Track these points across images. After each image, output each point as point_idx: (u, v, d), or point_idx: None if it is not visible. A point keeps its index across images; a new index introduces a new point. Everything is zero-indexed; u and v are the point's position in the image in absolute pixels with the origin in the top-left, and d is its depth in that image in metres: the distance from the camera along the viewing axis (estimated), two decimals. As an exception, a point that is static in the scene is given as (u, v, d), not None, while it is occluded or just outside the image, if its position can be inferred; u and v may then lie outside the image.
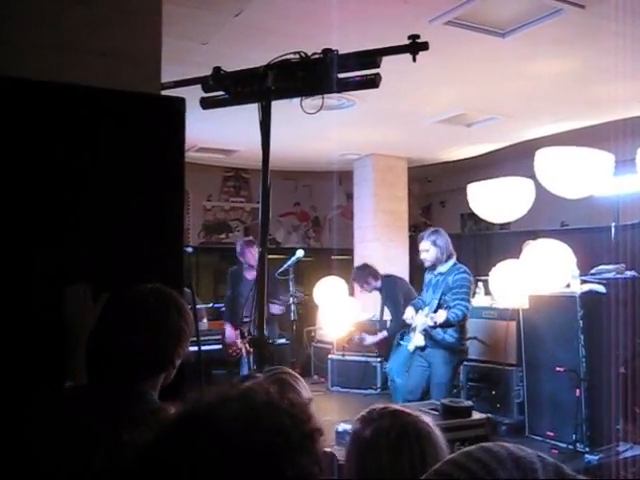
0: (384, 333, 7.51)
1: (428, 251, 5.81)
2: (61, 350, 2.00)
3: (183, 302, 1.90)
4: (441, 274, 5.82)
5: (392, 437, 1.57)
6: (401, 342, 6.55)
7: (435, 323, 5.59)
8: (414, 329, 5.89)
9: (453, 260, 5.87)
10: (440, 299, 5.69)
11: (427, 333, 5.73)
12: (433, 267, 5.87)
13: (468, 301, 5.75)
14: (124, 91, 2.39)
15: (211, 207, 11.30)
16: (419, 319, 5.80)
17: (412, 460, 1.52)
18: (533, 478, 0.68)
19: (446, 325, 5.62)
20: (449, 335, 5.72)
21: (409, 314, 5.99)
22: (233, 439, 0.82)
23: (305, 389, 1.76)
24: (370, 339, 7.77)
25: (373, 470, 1.54)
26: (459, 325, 5.73)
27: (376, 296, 7.98)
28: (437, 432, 1.62)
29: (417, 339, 5.81)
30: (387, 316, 7.78)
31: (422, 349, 5.83)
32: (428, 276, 6.02)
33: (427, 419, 1.66)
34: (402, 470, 1.50)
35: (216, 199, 11.33)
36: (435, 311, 5.64)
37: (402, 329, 6.99)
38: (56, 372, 1.97)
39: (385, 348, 7.80)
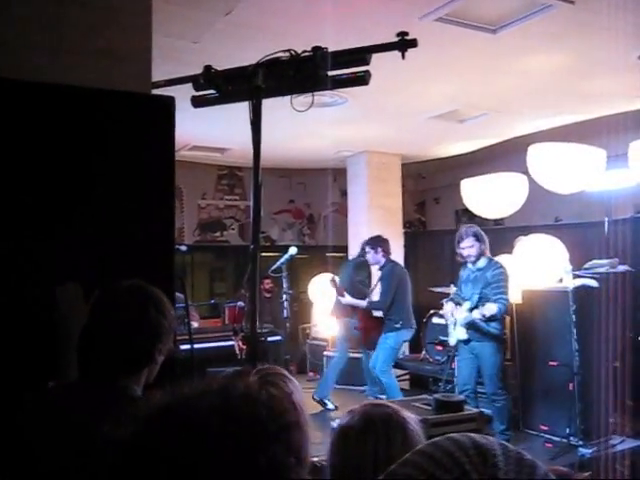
0: (361, 303, 7.50)
1: (472, 247, 5.90)
2: (52, 348, 2.02)
3: (163, 298, 1.90)
4: (479, 269, 5.92)
5: (360, 424, 1.60)
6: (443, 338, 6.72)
7: (484, 316, 5.69)
8: (454, 323, 5.99)
9: (488, 255, 5.99)
10: (480, 293, 5.79)
11: (472, 326, 5.82)
12: (474, 262, 5.94)
13: (507, 294, 5.84)
14: (113, 90, 2.41)
15: (205, 205, 11.30)
16: (460, 313, 5.91)
17: (377, 446, 1.54)
18: (493, 463, 0.69)
19: (492, 318, 5.72)
20: (493, 327, 5.80)
21: (448, 309, 6.13)
22: (208, 429, 0.84)
23: (295, 388, 1.76)
24: (347, 298, 7.67)
25: (342, 456, 1.57)
26: (501, 317, 5.86)
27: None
28: (412, 424, 1.64)
29: (459, 333, 5.92)
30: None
31: (466, 342, 5.91)
32: (465, 272, 6.11)
33: (405, 413, 1.67)
34: (367, 455, 1.52)
35: (210, 197, 11.33)
36: (476, 305, 5.75)
37: (386, 322, 7.02)
38: (47, 370, 1.99)
39: (371, 335, 7.63)
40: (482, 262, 5.92)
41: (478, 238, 5.87)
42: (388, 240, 7.50)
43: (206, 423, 0.85)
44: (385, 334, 7.04)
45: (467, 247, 5.91)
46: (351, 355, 8.14)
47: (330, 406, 7.53)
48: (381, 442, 1.55)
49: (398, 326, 6.98)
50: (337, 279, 7.90)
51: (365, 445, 1.55)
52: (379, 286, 7.43)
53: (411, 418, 1.65)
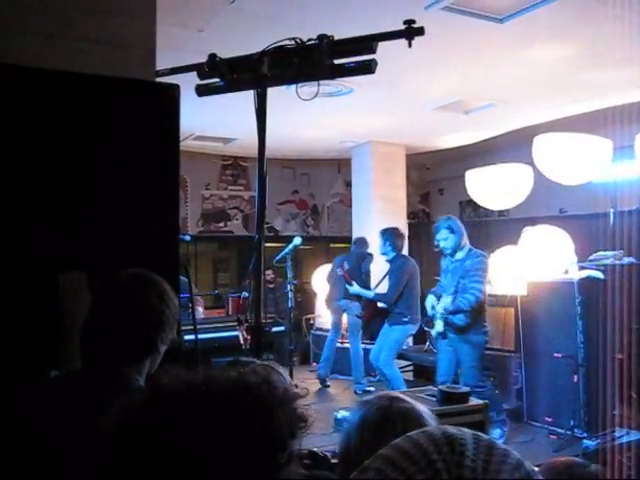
0: (368, 293, 7.52)
1: (447, 239, 5.82)
2: (55, 337, 2.01)
3: (166, 287, 1.88)
4: (458, 260, 5.85)
5: (377, 418, 1.58)
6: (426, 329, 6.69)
7: (445, 310, 5.67)
8: (435, 316, 5.94)
9: (468, 246, 5.90)
10: (457, 284, 5.72)
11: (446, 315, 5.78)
12: (452, 254, 5.88)
13: (483, 284, 5.77)
14: (117, 77, 2.39)
15: (209, 195, 11.29)
16: (439, 306, 5.86)
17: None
18: (460, 451, 0.71)
19: (458, 311, 5.67)
20: (458, 319, 5.73)
21: (429, 302, 6.05)
22: (228, 398, 0.88)
23: (281, 382, 1.75)
24: (355, 287, 7.70)
25: (355, 447, 1.55)
26: (477, 307, 5.73)
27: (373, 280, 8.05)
28: (427, 419, 1.62)
29: (437, 325, 5.87)
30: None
31: (444, 335, 5.86)
32: (445, 262, 6.04)
33: (420, 406, 1.66)
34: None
35: (214, 187, 11.31)
36: (454, 297, 5.70)
37: (394, 315, 7.01)
38: (50, 359, 1.98)
39: (372, 324, 7.65)
40: (461, 254, 5.84)
41: (452, 230, 5.79)
42: (403, 235, 7.50)
43: (225, 394, 0.89)
44: (391, 326, 7.02)
45: (441, 239, 5.84)
46: (341, 345, 8.23)
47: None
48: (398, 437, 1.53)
49: (406, 320, 6.98)
50: (346, 264, 7.95)
51: (383, 439, 1.53)
52: (387, 278, 7.43)
53: (425, 412, 1.64)
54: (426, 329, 6.85)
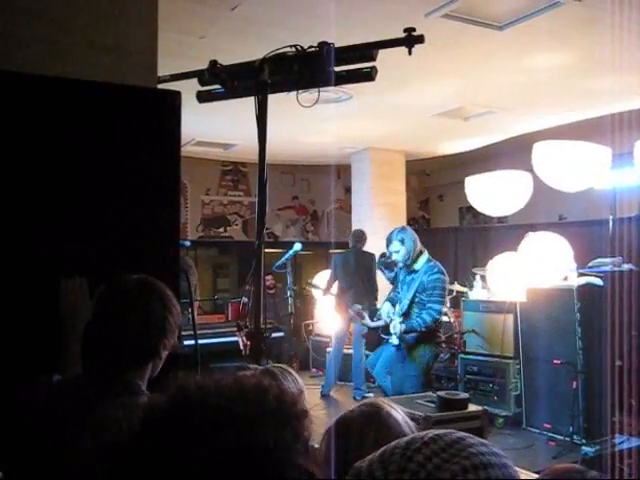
0: (380, 323, 7.47)
1: (399, 252, 5.65)
2: (57, 342, 2.02)
3: (169, 293, 1.89)
4: (415, 272, 5.65)
5: (360, 421, 1.60)
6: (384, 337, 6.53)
7: (398, 333, 5.54)
8: (393, 325, 5.74)
9: (426, 256, 5.71)
10: (413, 297, 5.58)
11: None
12: (406, 266, 5.71)
13: (442, 304, 5.61)
14: (119, 84, 2.40)
15: (209, 201, 11.30)
16: (395, 321, 5.67)
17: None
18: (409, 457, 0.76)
19: (412, 331, 5.52)
20: (410, 337, 5.58)
21: (385, 310, 5.91)
22: (223, 413, 0.87)
23: (293, 383, 1.77)
24: (369, 322, 7.70)
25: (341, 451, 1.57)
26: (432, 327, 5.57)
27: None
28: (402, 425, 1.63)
29: (392, 339, 5.70)
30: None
31: (398, 347, 5.70)
32: (401, 274, 5.86)
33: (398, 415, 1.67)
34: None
35: (214, 193, 11.33)
36: (407, 310, 5.57)
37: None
38: (51, 364, 1.98)
39: (372, 337, 7.67)
40: (418, 264, 5.64)
41: (403, 242, 5.62)
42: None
43: (222, 407, 0.88)
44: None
45: (393, 252, 5.70)
46: (349, 352, 8.20)
47: None
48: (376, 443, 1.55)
49: None
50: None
51: (362, 445, 1.55)
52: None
53: (400, 419, 1.65)
54: (383, 337, 6.75)
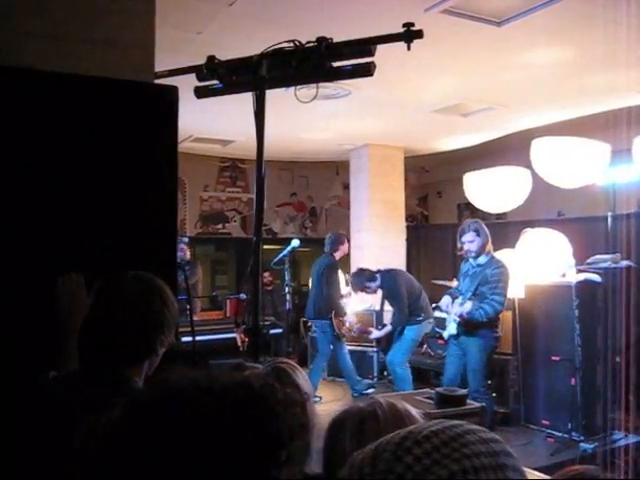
0: (388, 327, 7.48)
1: (473, 242, 5.80)
2: (53, 338, 2.01)
3: (167, 289, 1.89)
4: (479, 265, 5.83)
5: (356, 419, 1.59)
6: (439, 330, 6.67)
7: (461, 316, 5.68)
8: (449, 318, 5.95)
9: (491, 252, 5.90)
10: (476, 290, 5.71)
11: (460, 320, 5.77)
12: (474, 257, 5.86)
13: (504, 296, 5.73)
14: (116, 79, 2.39)
15: (208, 197, 11.29)
16: (454, 308, 5.85)
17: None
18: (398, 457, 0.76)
19: (474, 321, 5.66)
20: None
21: (444, 302, 6.06)
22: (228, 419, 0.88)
23: (304, 379, 1.76)
24: (376, 333, 7.77)
25: (338, 448, 1.56)
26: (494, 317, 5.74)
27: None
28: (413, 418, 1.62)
29: (451, 327, 5.88)
30: (387, 307, 7.78)
31: (456, 337, 5.87)
32: (465, 266, 6.04)
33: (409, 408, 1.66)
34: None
35: (213, 189, 11.32)
36: (468, 301, 5.70)
37: (406, 322, 7.03)
38: (48, 360, 1.97)
39: (385, 339, 7.83)
40: (483, 258, 5.82)
41: (479, 233, 5.79)
42: (362, 268, 7.54)
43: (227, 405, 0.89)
44: (408, 327, 7.07)
45: (467, 242, 5.83)
46: (347, 348, 8.19)
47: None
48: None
49: (420, 319, 7.08)
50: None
51: (361, 441, 1.54)
52: (388, 300, 7.47)
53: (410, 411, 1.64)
54: (438, 330, 6.87)
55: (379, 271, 7.34)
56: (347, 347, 8.00)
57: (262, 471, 0.88)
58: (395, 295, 7.17)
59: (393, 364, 7.04)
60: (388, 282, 7.24)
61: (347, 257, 9.50)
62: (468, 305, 5.63)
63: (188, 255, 8.53)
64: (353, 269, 8.15)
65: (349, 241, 8.30)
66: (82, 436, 1.17)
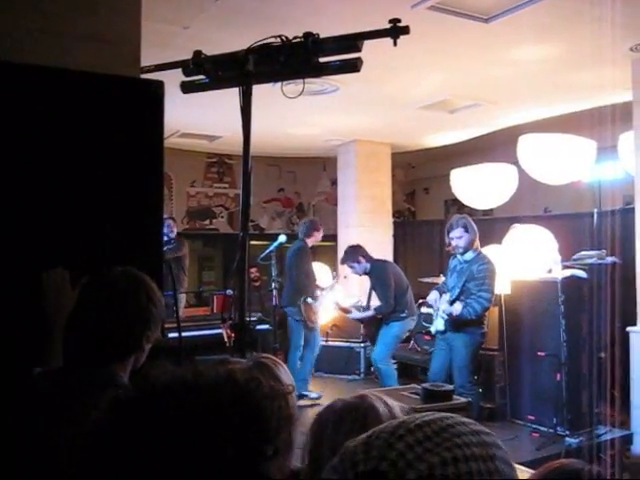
0: (370, 312, 7.46)
1: (461, 238, 5.81)
2: (38, 334, 1.99)
3: (153, 285, 1.89)
4: (466, 262, 5.85)
5: (337, 411, 1.59)
6: (426, 324, 6.69)
7: (450, 315, 5.70)
8: (437, 313, 5.96)
9: (478, 248, 5.92)
10: (463, 286, 5.73)
11: (448, 317, 5.79)
12: (462, 253, 5.87)
13: (491, 292, 5.75)
14: (101, 74, 2.37)
15: (195, 193, 11.27)
16: (441, 304, 5.87)
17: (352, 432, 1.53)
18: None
19: (462, 319, 5.67)
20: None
21: (432, 297, 6.08)
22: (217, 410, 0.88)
23: (285, 373, 1.77)
24: (356, 314, 7.76)
25: (319, 441, 1.56)
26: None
27: (361, 282, 8.01)
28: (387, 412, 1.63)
29: (438, 323, 5.90)
30: (374, 301, 7.75)
31: (442, 333, 5.89)
32: (453, 262, 6.05)
33: (389, 401, 1.66)
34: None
35: (200, 185, 11.30)
36: (457, 298, 5.72)
37: (391, 313, 7.02)
38: (33, 356, 1.96)
39: (370, 329, 7.75)
40: (470, 255, 5.84)
41: (467, 229, 5.80)
42: (360, 245, 7.42)
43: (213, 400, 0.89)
44: (389, 323, 7.05)
45: (455, 237, 5.84)
46: (334, 344, 8.20)
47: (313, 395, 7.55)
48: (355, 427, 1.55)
49: (404, 315, 7.03)
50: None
51: (342, 436, 1.54)
52: (375, 289, 7.42)
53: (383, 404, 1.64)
54: (425, 324, 6.88)
55: (372, 259, 7.30)
56: (334, 343, 7.99)
57: (250, 466, 0.88)
58: (382, 284, 7.14)
59: (376, 361, 7.05)
60: (378, 270, 7.20)
61: (334, 253, 9.51)
62: (458, 307, 5.64)
63: (175, 232, 8.61)
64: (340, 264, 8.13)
65: (336, 237, 8.27)
66: (67, 434, 1.17)
